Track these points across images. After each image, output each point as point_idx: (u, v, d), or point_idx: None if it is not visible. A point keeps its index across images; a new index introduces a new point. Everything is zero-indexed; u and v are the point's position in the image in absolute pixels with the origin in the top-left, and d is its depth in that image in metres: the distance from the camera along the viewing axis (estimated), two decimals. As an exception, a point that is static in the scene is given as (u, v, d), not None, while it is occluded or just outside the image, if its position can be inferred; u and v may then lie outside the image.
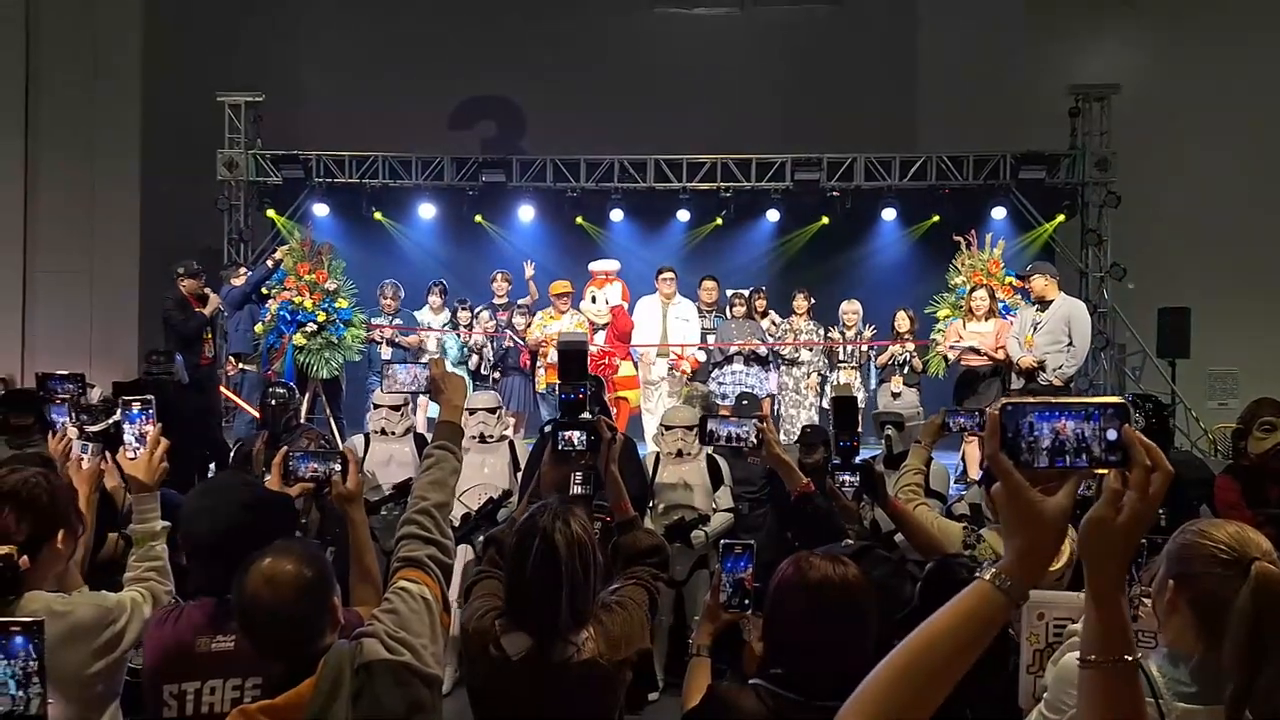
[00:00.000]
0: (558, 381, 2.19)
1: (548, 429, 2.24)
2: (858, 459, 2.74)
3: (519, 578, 1.74)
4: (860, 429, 3.03)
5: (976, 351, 6.58)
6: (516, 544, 1.75)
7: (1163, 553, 1.52)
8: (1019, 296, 7.44)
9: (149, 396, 2.18)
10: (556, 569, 1.70)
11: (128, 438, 2.08)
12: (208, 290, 7.00)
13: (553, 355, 7.26)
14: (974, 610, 0.97)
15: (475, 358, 7.66)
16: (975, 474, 5.75)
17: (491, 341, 7.68)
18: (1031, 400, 0.98)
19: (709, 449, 4.64)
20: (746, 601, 1.84)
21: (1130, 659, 0.99)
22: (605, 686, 1.76)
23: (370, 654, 1.47)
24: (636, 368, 7.52)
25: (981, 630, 0.97)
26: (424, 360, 7.08)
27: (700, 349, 7.44)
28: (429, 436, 5.08)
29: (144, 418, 2.09)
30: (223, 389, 7.59)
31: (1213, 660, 1.38)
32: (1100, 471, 0.97)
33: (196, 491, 1.99)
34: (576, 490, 3.20)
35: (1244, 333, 10.04)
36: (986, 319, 6.70)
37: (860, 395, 7.20)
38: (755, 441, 2.46)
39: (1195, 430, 9.10)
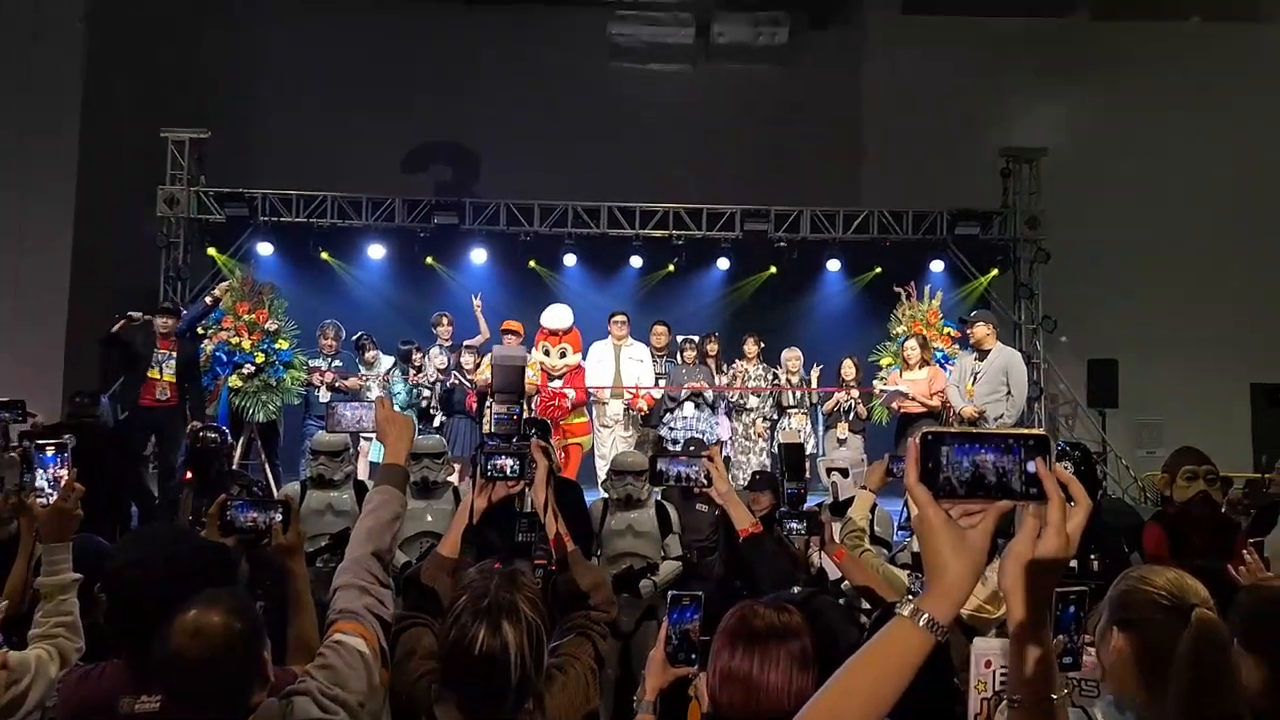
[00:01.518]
0: (491, 397, 2.09)
1: (477, 453, 2.11)
2: (805, 506, 2.75)
3: (460, 664, 1.57)
4: (808, 476, 3.06)
5: (907, 396, 6.74)
6: (459, 627, 1.57)
7: (1105, 599, 1.55)
8: (956, 346, 7.68)
9: (64, 440, 2.07)
10: (504, 659, 1.55)
11: (40, 483, 1.97)
12: (159, 324, 6.63)
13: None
14: (893, 647, 0.95)
15: (427, 392, 7.49)
16: (918, 521, 5.84)
17: (438, 384, 7.55)
18: (952, 430, 0.96)
19: (657, 496, 4.63)
20: (693, 655, 1.78)
21: (1054, 697, 0.99)
22: None
23: (301, 713, 1.39)
24: (590, 412, 7.50)
25: (901, 666, 0.94)
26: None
27: (652, 390, 7.45)
28: (370, 484, 4.96)
29: (58, 461, 1.99)
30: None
31: (1156, 705, 1.41)
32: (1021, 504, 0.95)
33: (126, 541, 1.90)
34: (520, 538, 3.13)
35: (1169, 384, 10.52)
36: (920, 368, 6.88)
37: (809, 443, 7.29)
38: (705, 481, 2.44)
39: (1125, 478, 9.42)
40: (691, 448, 5.71)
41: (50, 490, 1.95)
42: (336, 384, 7.44)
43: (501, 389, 2.04)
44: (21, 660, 1.75)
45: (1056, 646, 1.81)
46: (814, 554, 2.79)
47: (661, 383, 7.55)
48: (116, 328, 6.49)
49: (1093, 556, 3.68)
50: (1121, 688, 1.47)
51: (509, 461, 1.95)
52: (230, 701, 1.43)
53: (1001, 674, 1.99)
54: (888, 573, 2.81)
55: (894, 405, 6.90)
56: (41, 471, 1.97)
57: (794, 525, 2.61)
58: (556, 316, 7.76)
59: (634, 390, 7.36)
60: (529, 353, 7.49)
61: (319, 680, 1.45)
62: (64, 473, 1.98)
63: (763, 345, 7.72)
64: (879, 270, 9.86)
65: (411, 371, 7.63)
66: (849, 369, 7.33)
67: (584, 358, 7.66)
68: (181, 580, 1.62)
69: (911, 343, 7.04)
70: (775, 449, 7.32)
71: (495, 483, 2.00)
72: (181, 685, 1.44)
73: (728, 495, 2.53)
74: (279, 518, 2.02)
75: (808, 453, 7.28)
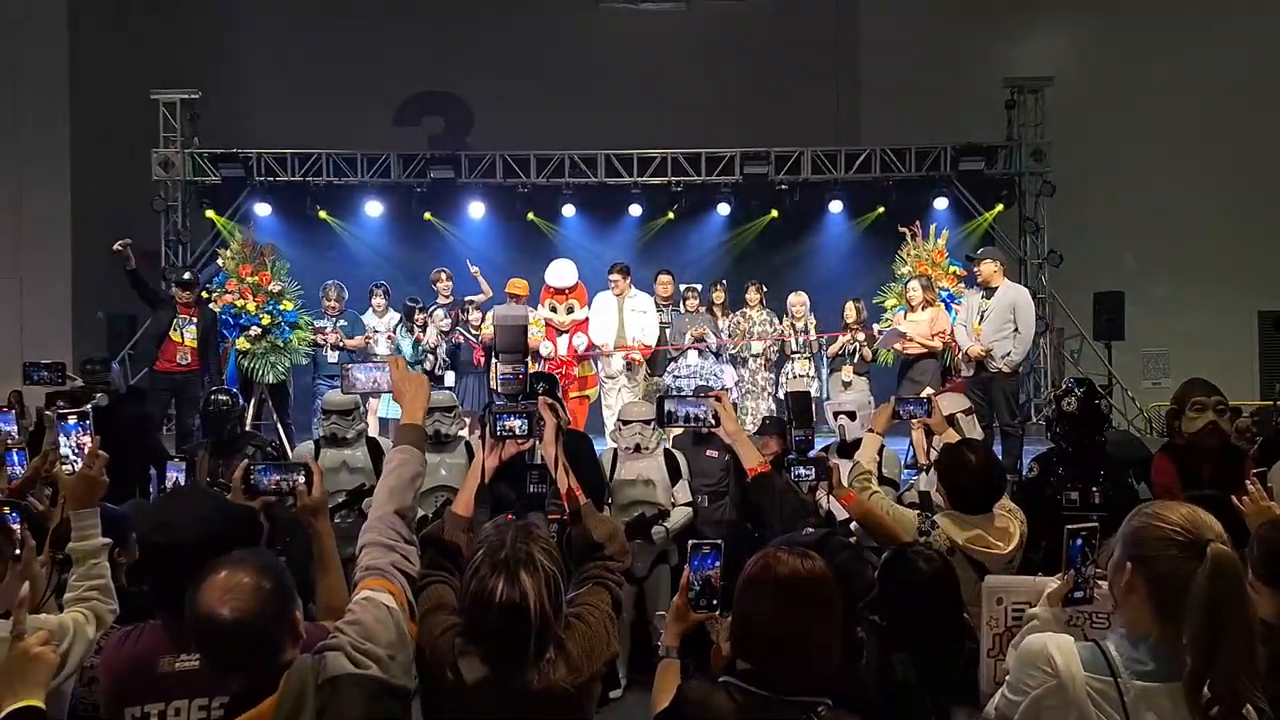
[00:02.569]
0: (496, 357, 2.09)
1: (485, 412, 2.13)
2: (813, 451, 2.79)
3: (481, 617, 1.61)
4: (815, 420, 3.09)
5: (906, 337, 6.73)
6: (478, 581, 1.61)
7: (1117, 535, 1.56)
8: (963, 285, 7.64)
9: (86, 408, 2.10)
10: (524, 610, 1.59)
11: (64, 450, 2.00)
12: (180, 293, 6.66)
13: (508, 349, 7.21)
14: None
15: (430, 358, 7.53)
16: (925, 460, 5.90)
17: (440, 346, 7.56)
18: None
19: (666, 444, 4.68)
20: (714, 601, 1.83)
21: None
22: (568, 710, 1.67)
23: (335, 668, 1.41)
24: (595, 364, 7.52)
25: None
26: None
27: (645, 341, 7.43)
28: (380, 440, 4.97)
29: (80, 429, 2.02)
30: None
31: (1170, 639, 1.43)
32: None
33: (155, 504, 1.93)
34: (531, 489, 3.17)
35: (1175, 314, 10.49)
36: (922, 309, 6.86)
37: (813, 386, 7.32)
38: (713, 421, 2.44)
39: (1131, 409, 9.47)
40: (700, 394, 5.73)
41: (75, 457, 1.97)
42: (342, 343, 7.45)
43: (505, 349, 2.03)
44: (60, 624, 1.79)
45: (1066, 582, 1.86)
46: (822, 498, 2.84)
47: (667, 332, 7.56)
48: (131, 265, 6.49)
49: (1094, 488, 3.73)
50: (1135, 623, 1.49)
51: (517, 422, 1.97)
52: (263, 660, 1.45)
53: (1014, 610, 2.05)
54: (897, 514, 2.85)
55: (895, 346, 6.90)
56: (65, 439, 1.99)
57: (802, 471, 2.65)
58: (561, 274, 7.71)
59: (632, 345, 7.36)
60: (535, 309, 7.50)
61: (350, 635, 1.47)
62: (87, 439, 2.00)
63: (765, 291, 7.69)
64: (882, 210, 9.75)
65: (416, 330, 7.65)
66: (851, 312, 7.31)
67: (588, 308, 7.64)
68: (210, 543, 1.67)
69: (914, 284, 7.00)
70: (781, 395, 7.35)
71: (505, 441, 2.02)
72: (214, 646, 1.47)
73: (736, 434, 2.55)
74: (302, 480, 2.06)
75: (813, 396, 7.32)
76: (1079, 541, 1.86)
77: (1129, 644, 1.48)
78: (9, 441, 2.87)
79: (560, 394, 5.65)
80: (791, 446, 2.74)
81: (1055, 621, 1.83)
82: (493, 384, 7.30)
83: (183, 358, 6.51)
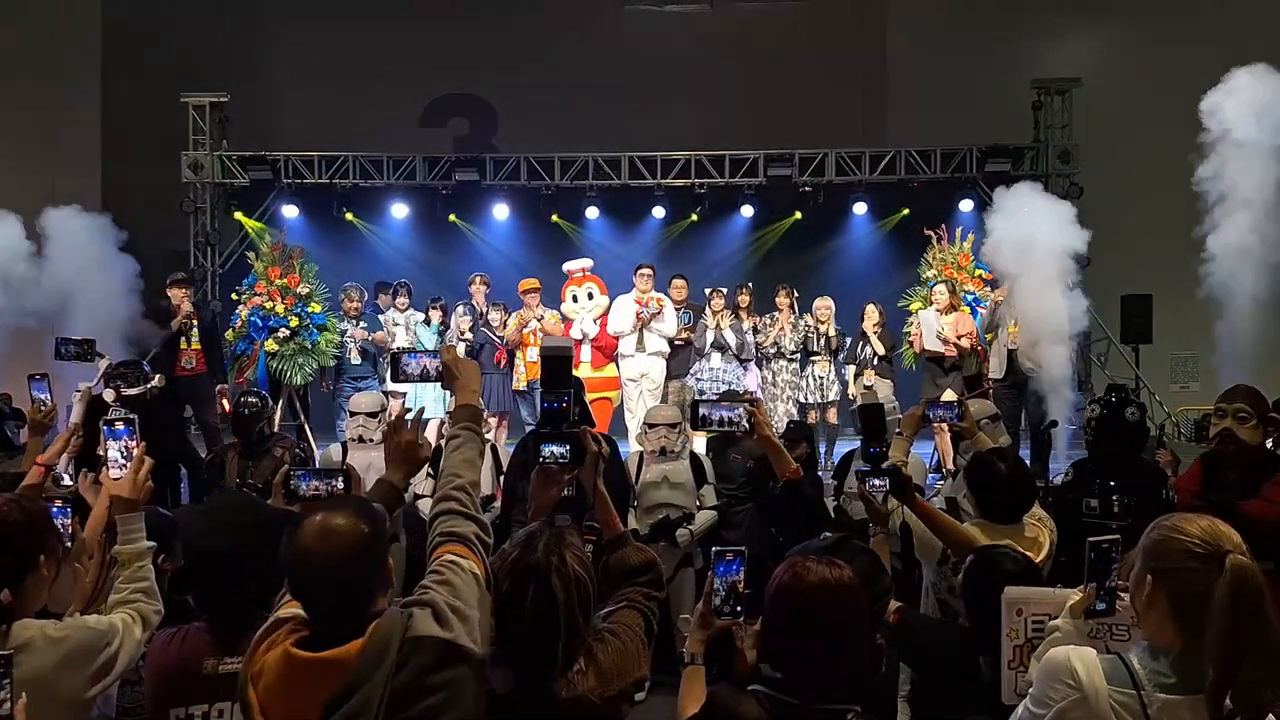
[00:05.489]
0: (540, 389, 2.07)
1: (529, 440, 2.11)
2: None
3: (512, 619, 1.61)
4: (888, 436, 3.03)
5: (947, 343, 6.70)
6: (510, 586, 1.62)
7: (1138, 547, 1.56)
8: (988, 289, 7.57)
9: (133, 415, 2.15)
10: (554, 614, 1.59)
11: (112, 455, 2.05)
12: (184, 302, 6.82)
13: (533, 353, 7.26)
14: None
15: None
16: (950, 465, 5.87)
17: (460, 343, 7.60)
18: None
19: (692, 447, 4.70)
20: (739, 608, 1.83)
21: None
22: None
23: (421, 627, 1.40)
24: (618, 366, 7.55)
25: None
26: (400, 347, 7.05)
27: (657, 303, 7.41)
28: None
29: (128, 434, 2.07)
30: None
31: (1193, 652, 1.43)
32: None
33: (200, 511, 1.96)
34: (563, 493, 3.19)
35: (1203, 317, 10.29)
36: (947, 313, 6.81)
37: (833, 390, 7.29)
38: (746, 425, 2.41)
39: (1159, 413, 9.33)
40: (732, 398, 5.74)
41: (124, 462, 2.02)
42: (370, 338, 7.51)
43: (549, 383, 2.01)
44: (110, 624, 1.83)
45: (1088, 594, 1.85)
46: (895, 510, 2.84)
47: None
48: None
49: (1114, 498, 3.69)
50: (1156, 635, 1.49)
51: (559, 449, 1.95)
52: (354, 605, 1.42)
53: (1034, 621, 2.04)
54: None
55: (937, 347, 6.83)
56: (114, 444, 2.03)
57: (876, 482, 2.65)
58: (578, 260, 7.89)
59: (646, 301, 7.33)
60: (557, 309, 7.56)
61: (443, 593, 1.45)
62: (134, 444, 2.04)
63: (796, 295, 7.61)
64: (907, 212, 9.69)
65: (435, 323, 7.75)
66: (871, 314, 7.27)
67: (610, 300, 7.68)
68: (255, 551, 1.69)
69: (940, 288, 6.98)
70: (802, 399, 7.33)
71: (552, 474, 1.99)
72: (308, 587, 1.44)
73: (770, 441, 2.54)
74: (341, 485, 2.09)
75: (832, 399, 7.30)
76: (1100, 553, 1.86)
77: (1151, 656, 1.48)
78: (42, 410, 2.96)
79: (585, 396, 5.68)
80: (864, 459, 2.75)
81: (1077, 634, 1.82)
82: (518, 384, 7.37)
83: (188, 361, 6.64)
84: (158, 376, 4.86)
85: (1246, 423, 3.48)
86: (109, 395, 2.60)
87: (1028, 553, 2.67)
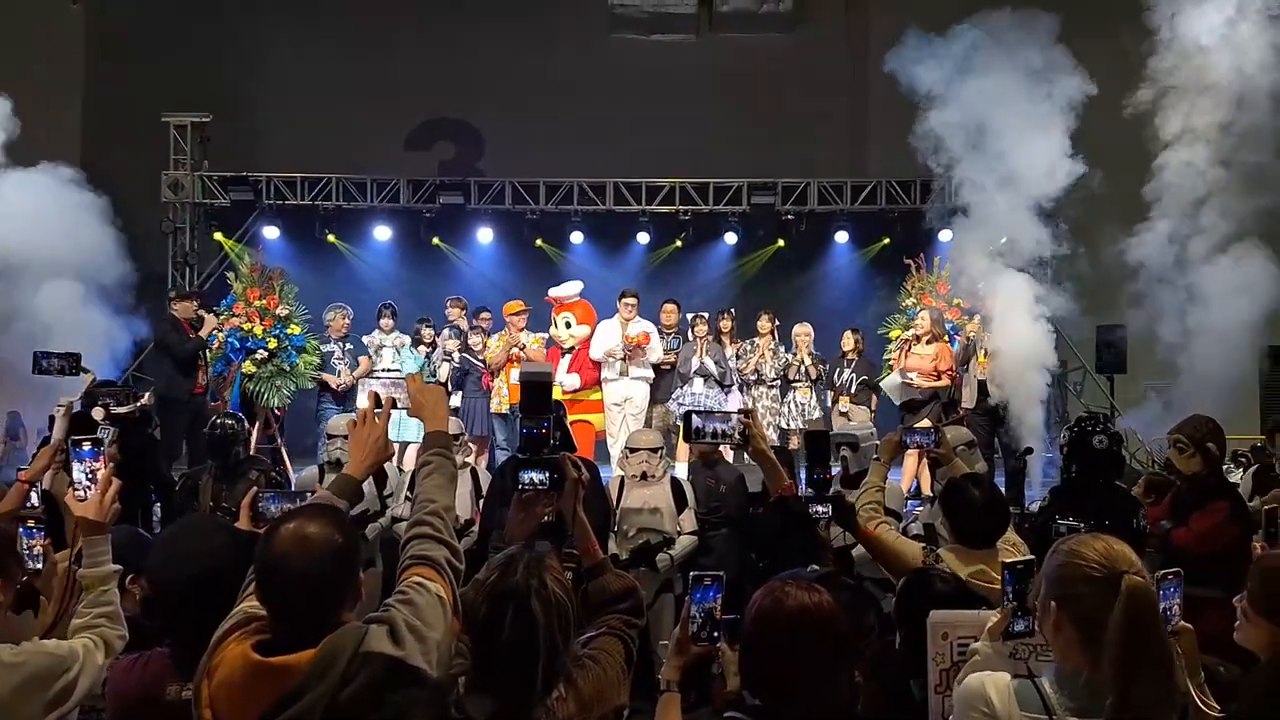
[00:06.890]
0: (520, 415, 2.05)
1: (507, 467, 2.10)
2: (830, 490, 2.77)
3: (490, 644, 1.59)
4: (833, 462, 3.06)
5: (909, 383, 6.77)
6: (489, 609, 1.59)
7: (1040, 574, 1.58)
8: (965, 317, 7.65)
9: (100, 436, 2.11)
10: (533, 639, 1.57)
11: (77, 476, 2.00)
12: (203, 313, 6.75)
13: (515, 375, 7.23)
14: None
15: (436, 378, 7.52)
16: (929, 491, 5.88)
17: (445, 364, 7.57)
18: None
19: (673, 472, 4.68)
20: (716, 633, 1.81)
21: None
22: None
23: (374, 644, 1.38)
24: (601, 389, 7.53)
25: None
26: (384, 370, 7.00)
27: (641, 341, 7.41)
28: (386, 466, 4.99)
29: (93, 456, 2.02)
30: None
31: (1100, 674, 1.44)
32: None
33: (166, 535, 1.92)
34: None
35: (1178, 347, 10.42)
36: (929, 342, 6.87)
37: (815, 413, 7.32)
38: (740, 438, 2.40)
39: (1135, 443, 9.42)
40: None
41: (88, 484, 1.98)
42: (349, 379, 7.43)
43: (529, 409, 2.00)
44: (71, 650, 1.78)
45: (1004, 616, 1.84)
46: (835, 534, 2.83)
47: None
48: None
49: (1081, 523, 3.73)
50: (1066, 659, 1.50)
51: (538, 475, 1.94)
52: (322, 614, 1.41)
53: (959, 644, 2.02)
54: (901, 546, 2.84)
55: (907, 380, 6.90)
56: (79, 465, 1.99)
57: (819, 509, 2.64)
58: (565, 286, 7.84)
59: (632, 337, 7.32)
60: (543, 332, 7.55)
61: (403, 612, 1.43)
62: (100, 466, 2.00)
63: (777, 323, 7.67)
64: (887, 241, 9.80)
65: (423, 346, 7.70)
66: (848, 341, 7.32)
67: (592, 335, 7.66)
68: (220, 573, 1.66)
69: (924, 314, 7.05)
70: (784, 425, 7.34)
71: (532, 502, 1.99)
72: (277, 594, 1.42)
73: (764, 454, 2.48)
74: None
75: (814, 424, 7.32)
76: (1017, 574, 1.86)
77: (1061, 680, 1.49)
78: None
79: (566, 420, 5.65)
80: (808, 484, 2.73)
81: (997, 656, 1.80)
82: (499, 407, 7.32)
83: (203, 378, 6.62)
84: (147, 395, 4.79)
85: (1184, 453, 3.58)
86: (98, 413, 2.54)
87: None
